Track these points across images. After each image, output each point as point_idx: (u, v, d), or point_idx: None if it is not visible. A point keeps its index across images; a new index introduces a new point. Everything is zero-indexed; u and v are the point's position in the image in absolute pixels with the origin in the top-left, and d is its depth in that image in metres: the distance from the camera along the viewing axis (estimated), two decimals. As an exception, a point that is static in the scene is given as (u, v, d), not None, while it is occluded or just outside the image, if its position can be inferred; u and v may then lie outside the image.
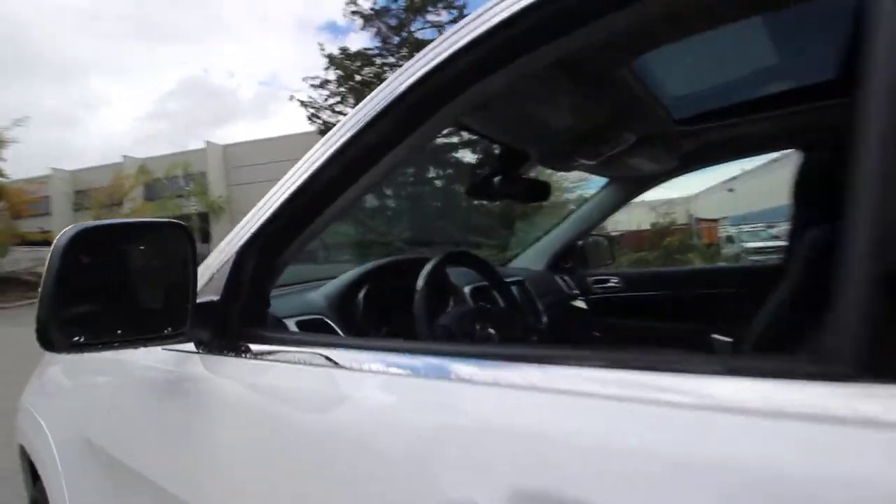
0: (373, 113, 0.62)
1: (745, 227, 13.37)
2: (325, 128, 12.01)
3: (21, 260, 17.62)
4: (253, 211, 0.81)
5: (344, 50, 13.38)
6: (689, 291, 1.79)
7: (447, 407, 0.46)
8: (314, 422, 0.57)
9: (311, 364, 0.60)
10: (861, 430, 0.26)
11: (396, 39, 13.21)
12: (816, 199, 0.87)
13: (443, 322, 0.98)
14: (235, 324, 0.77)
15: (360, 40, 36.62)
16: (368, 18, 13.16)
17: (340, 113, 12.67)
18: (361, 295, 1.16)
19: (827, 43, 0.99)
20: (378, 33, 13.26)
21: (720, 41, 0.93)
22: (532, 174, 1.42)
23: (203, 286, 0.82)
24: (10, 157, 17.07)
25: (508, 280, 1.36)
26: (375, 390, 0.54)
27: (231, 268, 0.78)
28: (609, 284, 2.00)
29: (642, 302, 1.88)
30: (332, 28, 45.43)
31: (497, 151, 1.29)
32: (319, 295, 1.17)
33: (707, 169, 1.64)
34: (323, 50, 13.18)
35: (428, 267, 1.00)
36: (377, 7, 13.10)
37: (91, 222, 0.65)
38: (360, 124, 0.64)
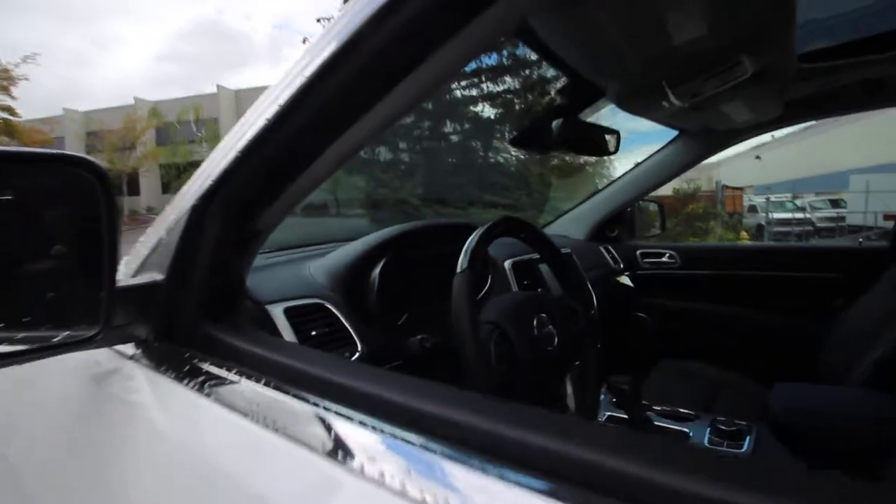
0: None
1: (772, 198, 12.95)
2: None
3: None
4: (218, 148, 0.53)
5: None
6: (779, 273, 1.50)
7: None
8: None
9: (290, 426, 0.35)
10: None
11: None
12: None
13: (490, 317, 0.72)
14: (188, 319, 0.51)
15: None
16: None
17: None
18: (376, 272, 0.88)
19: None
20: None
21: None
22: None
23: (146, 258, 0.56)
24: (20, 96, 16.70)
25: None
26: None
27: (181, 234, 0.52)
28: (663, 260, 1.71)
29: (710, 283, 1.59)
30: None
31: (559, 85, 0.98)
32: (319, 269, 0.89)
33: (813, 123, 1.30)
34: (338, -12, 12.36)
35: (472, 240, 0.73)
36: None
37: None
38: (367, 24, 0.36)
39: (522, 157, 8.63)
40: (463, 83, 7.96)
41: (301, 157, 0.48)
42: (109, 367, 0.54)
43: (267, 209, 0.55)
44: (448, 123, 8.34)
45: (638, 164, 1.61)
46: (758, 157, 16.14)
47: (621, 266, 1.72)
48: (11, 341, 0.40)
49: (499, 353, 0.69)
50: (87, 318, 0.43)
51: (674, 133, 1.51)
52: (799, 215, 12.17)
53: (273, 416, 0.36)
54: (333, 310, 0.80)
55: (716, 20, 0.76)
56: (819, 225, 12.11)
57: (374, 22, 0.36)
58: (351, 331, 0.79)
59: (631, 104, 0.99)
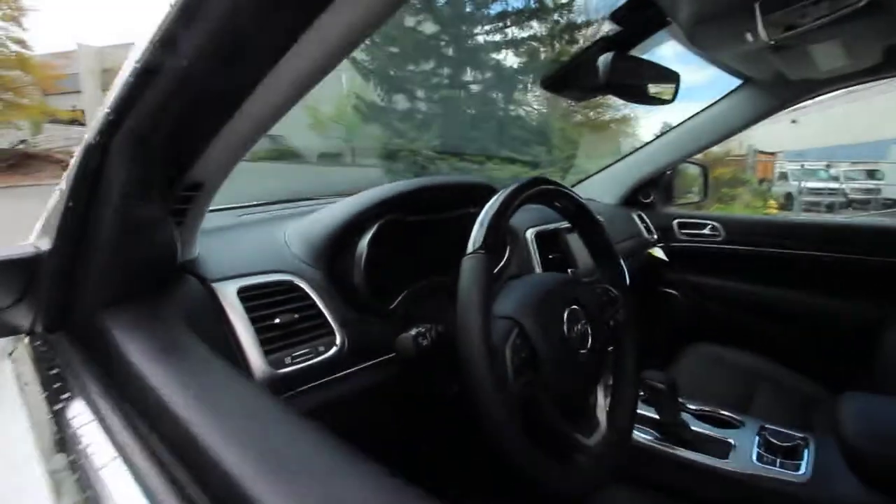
0: None
1: (806, 164, 12.38)
2: None
3: (55, 138, 17.64)
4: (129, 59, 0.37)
5: None
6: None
7: None
8: None
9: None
10: None
11: None
12: None
13: (506, 310, 0.54)
14: (82, 304, 0.37)
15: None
16: None
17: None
18: (365, 241, 0.67)
19: None
20: None
21: None
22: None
23: (46, 220, 0.41)
24: (31, 27, 16.24)
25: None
26: None
27: (71, 184, 0.37)
28: (704, 232, 1.51)
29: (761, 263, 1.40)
30: None
31: (608, 12, 0.78)
32: (292, 235, 0.70)
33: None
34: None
35: (491, 208, 0.54)
36: None
37: None
38: None
39: (545, 110, 8.08)
40: (489, 16, 7.26)
41: (228, 84, 0.32)
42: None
43: (202, 154, 0.39)
44: (468, 71, 7.75)
45: (684, 121, 1.38)
46: (794, 122, 15.25)
47: (655, 237, 1.54)
48: None
49: (517, 364, 0.51)
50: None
51: (733, 84, 1.28)
52: (833, 185, 11.64)
53: None
54: (307, 289, 0.62)
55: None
56: (851, 196, 11.58)
57: None
58: (328, 316, 0.62)
59: (702, 37, 0.76)
